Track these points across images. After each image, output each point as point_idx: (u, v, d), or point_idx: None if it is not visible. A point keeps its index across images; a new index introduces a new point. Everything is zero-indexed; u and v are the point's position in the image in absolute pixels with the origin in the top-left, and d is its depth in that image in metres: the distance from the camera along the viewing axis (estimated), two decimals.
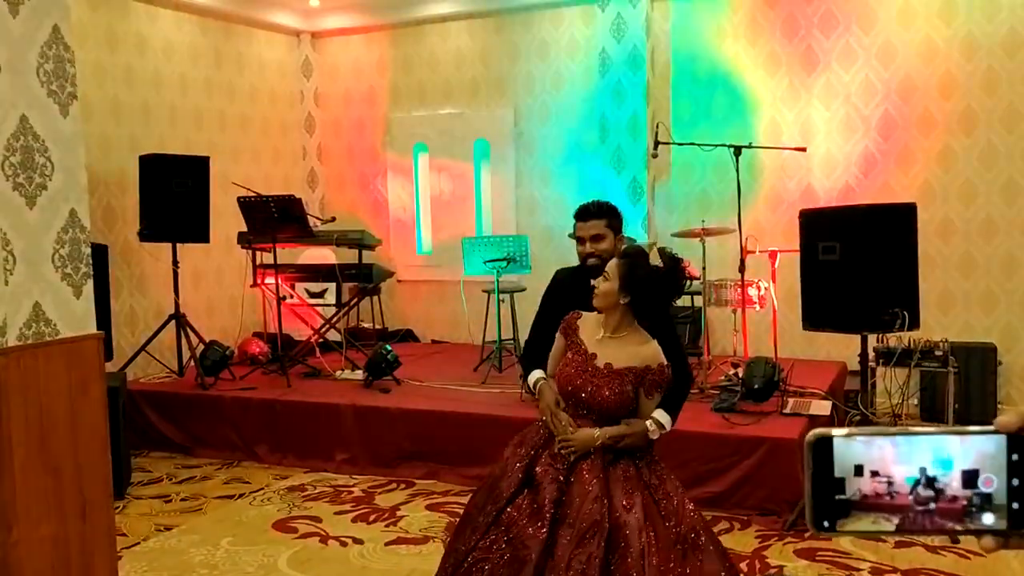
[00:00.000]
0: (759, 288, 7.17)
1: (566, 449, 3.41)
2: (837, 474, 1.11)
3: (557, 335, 3.65)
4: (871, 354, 6.60)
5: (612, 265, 3.52)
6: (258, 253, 8.24)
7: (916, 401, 7.72)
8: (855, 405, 6.30)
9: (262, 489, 6.57)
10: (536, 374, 3.73)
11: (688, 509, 3.34)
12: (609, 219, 3.98)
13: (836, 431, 1.11)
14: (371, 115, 10.49)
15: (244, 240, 8.24)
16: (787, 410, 6.21)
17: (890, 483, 1.10)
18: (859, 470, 1.10)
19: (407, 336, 10.00)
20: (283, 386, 7.50)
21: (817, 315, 5.88)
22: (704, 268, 7.23)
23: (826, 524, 1.12)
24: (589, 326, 3.59)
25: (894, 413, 7.27)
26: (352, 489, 6.53)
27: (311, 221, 7.90)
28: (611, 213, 4.00)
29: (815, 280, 5.84)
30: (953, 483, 1.09)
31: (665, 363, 3.49)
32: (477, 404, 6.74)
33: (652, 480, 3.37)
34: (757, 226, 8.52)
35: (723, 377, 6.91)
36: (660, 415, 3.54)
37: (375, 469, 6.81)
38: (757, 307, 7.24)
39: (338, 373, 7.89)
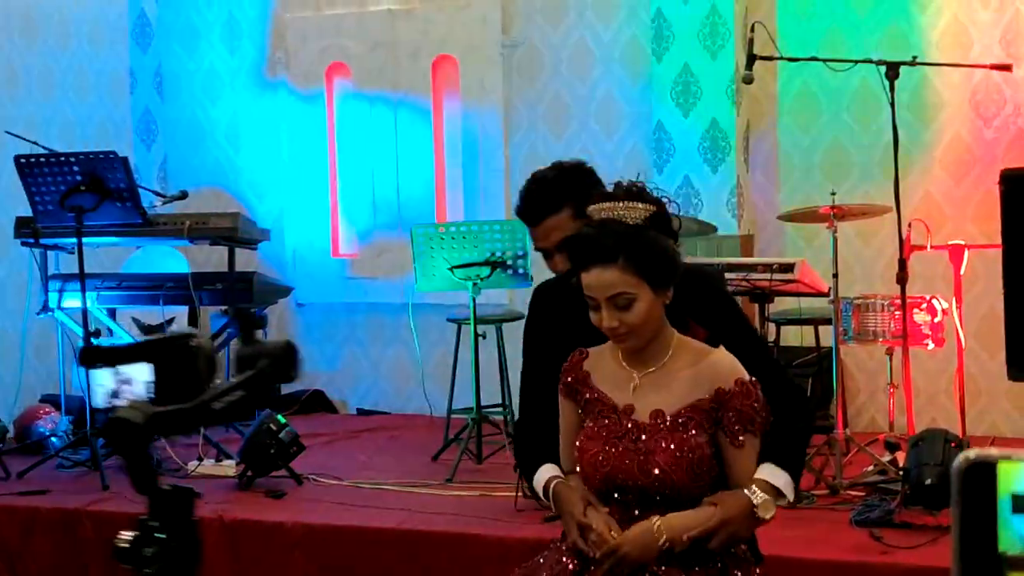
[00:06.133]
0: (933, 311, 6.00)
1: (615, 569, 2.76)
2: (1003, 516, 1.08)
3: (560, 400, 3.01)
4: None
5: (612, 272, 2.79)
6: (51, 254, 7.18)
7: None
8: None
9: None
10: (545, 472, 3.07)
11: None
12: (574, 202, 3.23)
13: (999, 452, 1.07)
14: (250, 13, 9.01)
15: (26, 230, 7.10)
16: None
17: None
18: None
19: (314, 402, 8.73)
20: (96, 488, 6.26)
21: None
22: (835, 276, 5.78)
23: None
24: (607, 365, 2.96)
25: None
26: None
27: (146, 198, 6.93)
28: (568, 192, 3.29)
29: None
30: None
31: (748, 379, 2.81)
32: (440, 517, 5.87)
33: None
34: (929, 203, 7.16)
35: (871, 468, 5.78)
36: (769, 472, 2.79)
37: None
38: (930, 343, 6.08)
39: (193, 465, 6.78)
